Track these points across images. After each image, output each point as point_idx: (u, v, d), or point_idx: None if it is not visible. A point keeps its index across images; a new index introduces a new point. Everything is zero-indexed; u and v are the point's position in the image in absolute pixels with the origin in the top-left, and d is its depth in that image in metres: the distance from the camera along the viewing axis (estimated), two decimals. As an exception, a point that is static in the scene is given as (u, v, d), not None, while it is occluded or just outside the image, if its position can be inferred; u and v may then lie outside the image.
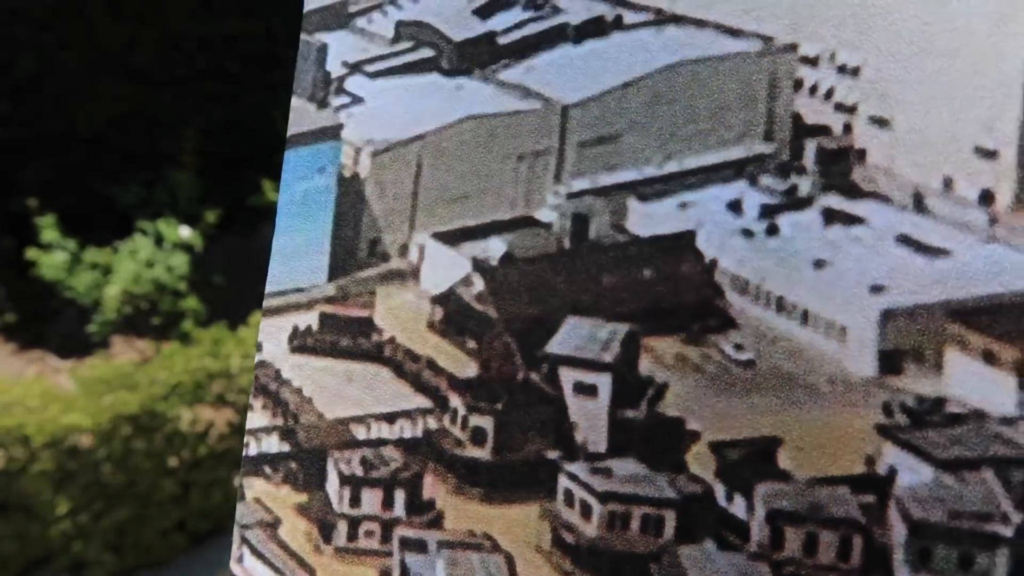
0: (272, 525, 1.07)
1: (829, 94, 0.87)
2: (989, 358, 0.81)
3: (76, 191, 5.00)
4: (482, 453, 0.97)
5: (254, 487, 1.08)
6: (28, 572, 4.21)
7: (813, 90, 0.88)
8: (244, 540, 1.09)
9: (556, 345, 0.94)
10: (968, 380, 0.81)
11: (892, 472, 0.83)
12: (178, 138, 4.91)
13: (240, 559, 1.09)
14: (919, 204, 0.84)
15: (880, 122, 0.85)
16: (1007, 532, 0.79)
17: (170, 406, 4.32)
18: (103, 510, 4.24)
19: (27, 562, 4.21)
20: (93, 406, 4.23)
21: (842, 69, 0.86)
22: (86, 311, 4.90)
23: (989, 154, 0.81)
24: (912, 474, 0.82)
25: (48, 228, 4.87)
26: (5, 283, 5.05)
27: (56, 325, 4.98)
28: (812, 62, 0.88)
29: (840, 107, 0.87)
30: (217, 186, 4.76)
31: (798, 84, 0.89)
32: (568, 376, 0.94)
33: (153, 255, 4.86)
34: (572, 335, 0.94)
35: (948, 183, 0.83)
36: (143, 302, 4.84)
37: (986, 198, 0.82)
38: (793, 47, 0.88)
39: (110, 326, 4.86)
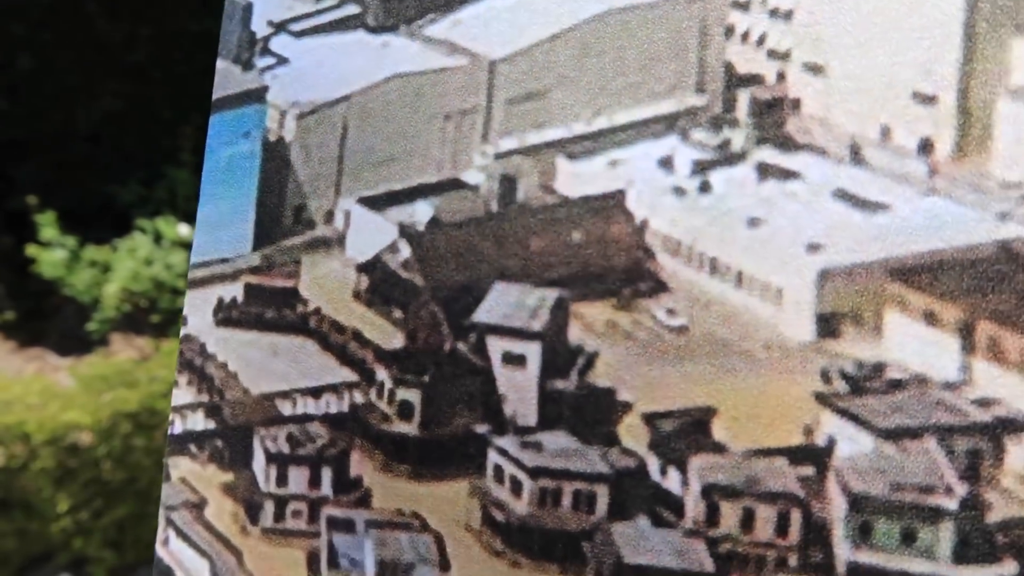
0: (198, 506, 1.03)
1: (761, 40, 0.82)
2: (931, 319, 0.76)
3: (75, 189, 4.98)
4: (409, 428, 0.93)
5: (180, 466, 1.04)
6: (28, 569, 4.19)
7: (745, 36, 0.83)
8: (170, 522, 1.04)
9: (483, 313, 0.90)
10: (909, 343, 0.76)
11: (831, 442, 0.79)
12: (177, 136, 4.88)
13: (166, 542, 1.04)
14: (856, 156, 0.79)
15: (814, 68, 0.80)
16: (951, 505, 0.74)
17: (169, 403, 4.29)
18: (103, 507, 4.21)
19: (27, 559, 4.19)
20: (93, 403, 4.21)
21: (774, 13, 0.81)
22: (85, 309, 4.88)
23: (928, 99, 0.76)
24: (852, 444, 0.78)
25: (47, 226, 4.86)
26: (4, 281, 5.03)
27: (55, 323, 4.96)
28: (743, 6, 0.83)
29: (773, 54, 0.82)
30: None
31: (730, 30, 0.84)
32: (496, 346, 0.89)
33: (152, 253, 4.83)
34: (500, 302, 0.89)
35: (886, 132, 0.78)
36: (142, 300, 4.81)
37: (925, 147, 0.77)
38: (724, -10, 0.83)
39: (109, 324, 4.84)
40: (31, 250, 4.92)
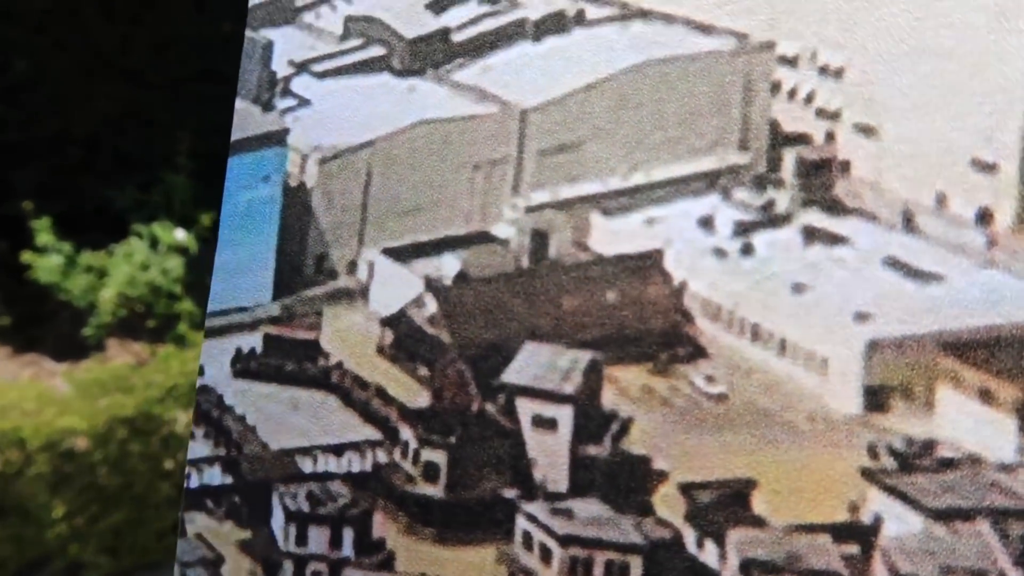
0: (215, 563, 1.00)
1: (810, 98, 0.79)
2: (985, 397, 0.72)
3: (71, 194, 4.93)
4: (435, 490, 0.90)
5: (196, 522, 1.01)
6: (24, 575, 4.16)
7: (792, 94, 0.80)
8: (184, 578, 1.01)
9: (513, 374, 0.86)
10: (962, 421, 0.73)
11: (877, 520, 0.75)
12: (173, 141, 4.84)
13: (180, 599, 1.01)
14: (909, 223, 0.76)
15: (866, 130, 0.77)
16: (1005, 591, 0.71)
17: (166, 409, 4.27)
18: (99, 513, 4.18)
19: (23, 565, 4.16)
20: (89, 409, 4.18)
21: (824, 70, 0.78)
22: (81, 314, 4.85)
23: (987, 167, 0.73)
24: (900, 523, 0.74)
25: (43, 231, 4.82)
26: (0, 286, 4.99)
27: (51, 328, 4.92)
28: (791, 62, 0.79)
29: (822, 113, 0.78)
30: (212, 189, 4.69)
31: (776, 87, 0.80)
32: (526, 408, 0.86)
33: (148, 258, 4.79)
34: (530, 363, 0.86)
35: (941, 199, 0.75)
36: (138, 305, 4.77)
37: (984, 217, 0.74)
38: (770, 45, 0.80)
39: (105, 329, 4.80)
40: (27, 255, 4.88)
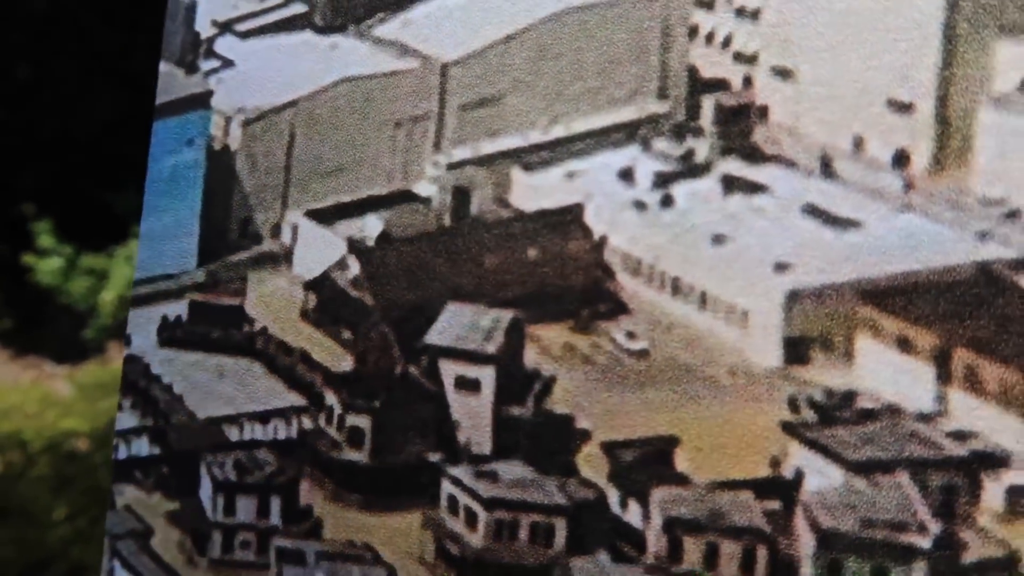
0: (144, 535, 0.98)
1: (727, 42, 0.77)
2: (905, 345, 0.70)
3: (72, 197, 4.95)
4: (360, 455, 0.88)
5: (125, 494, 0.99)
6: (26, 579, 4.16)
7: (710, 38, 0.78)
8: (115, 552, 0.99)
9: (436, 335, 0.85)
10: (881, 371, 0.71)
11: (799, 475, 0.74)
12: (174, 142, 4.86)
13: (111, 572, 0.99)
14: (827, 168, 0.74)
15: (783, 73, 0.75)
16: (924, 543, 0.70)
17: (165, 414, 4.27)
18: (101, 515, 4.18)
19: (25, 567, 4.15)
20: (90, 411, 4.18)
21: (741, 12, 0.76)
22: (82, 316, 4.86)
23: (904, 107, 0.71)
24: (821, 477, 0.73)
25: (44, 234, 4.83)
26: (1, 289, 5.01)
27: (52, 330, 4.93)
28: (708, 4, 0.78)
29: (739, 57, 0.77)
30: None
31: (693, 31, 0.78)
32: (449, 369, 0.84)
33: (148, 260, 4.81)
34: (453, 323, 0.84)
35: (858, 143, 0.73)
36: (138, 308, 4.79)
37: (900, 159, 0.72)
38: (687, -12, 0.78)
39: (106, 331, 4.81)
40: (28, 258, 4.89)
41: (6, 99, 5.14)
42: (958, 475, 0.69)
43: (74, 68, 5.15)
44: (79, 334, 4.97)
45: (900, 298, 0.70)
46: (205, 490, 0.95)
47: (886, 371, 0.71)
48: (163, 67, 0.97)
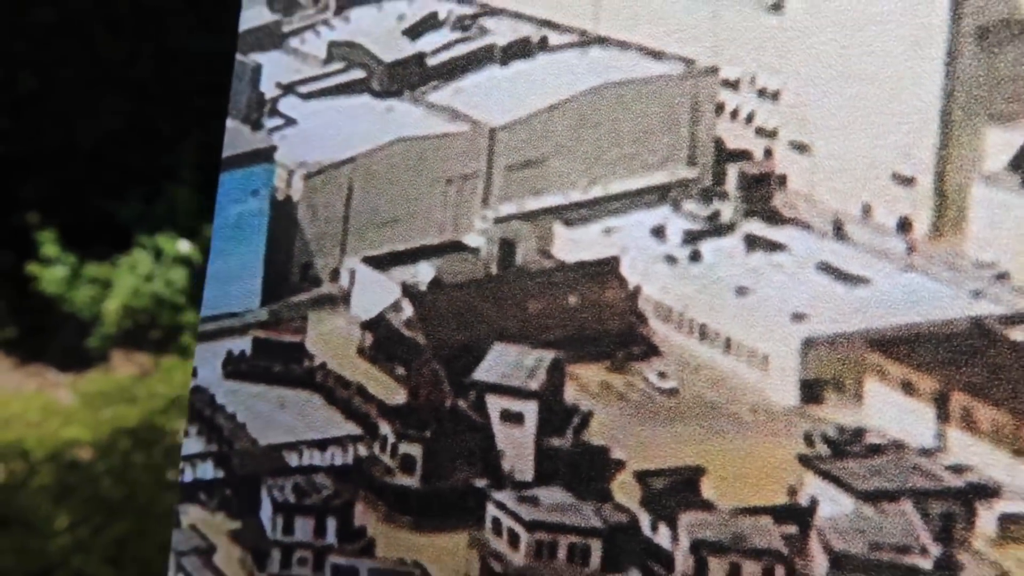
0: (207, 552, 1.06)
1: (750, 118, 0.86)
2: (908, 388, 0.79)
3: (76, 206, 4.99)
4: (411, 481, 0.96)
5: (190, 514, 1.07)
6: (28, 586, 4.19)
7: (734, 114, 0.87)
8: (180, 567, 1.07)
9: (483, 372, 0.93)
10: (887, 410, 0.79)
11: (813, 503, 0.82)
12: (177, 153, 4.90)
13: (176, 586, 1.07)
14: (839, 231, 0.83)
15: (800, 147, 0.84)
16: (926, 565, 0.78)
17: (169, 419, 4.29)
18: (103, 524, 4.21)
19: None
20: (93, 420, 4.20)
21: (762, 93, 0.85)
22: (86, 325, 4.89)
23: (906, 181, 0.80)
24: (833, 505, 0.81)
25: (48, 243, 4.86)
26: (5, 298, 5.04)
27: (56, 339, 4.96)
28: (733, 85, 0.87)
29: (761, 131, 0.86)
30: (216, 201, 4.71)
31: (719, 108, 0.87)
32: (495, 404, 0.93)
33: (152, 269, 4.84)
34: (499, 362, 0.93)
35: (867, 210, 0.82)
36: (142, 316, 4.82)
37: (904, 225, 0.81)
38: (714, 70, 0.87)
39: (110, 340, 4.85)
40: (32, 267, 4.92)
41: (10, 108, 5.18)
42: (956, 504, 0.77)
43: (79, 77, 5.19)
44: (82, 343, 5.00)
45: (904, 347, 0.79)
46: (265, 511, 1.02)
47: (892, 411, 0.79)
48: (230, 123, 1.06)
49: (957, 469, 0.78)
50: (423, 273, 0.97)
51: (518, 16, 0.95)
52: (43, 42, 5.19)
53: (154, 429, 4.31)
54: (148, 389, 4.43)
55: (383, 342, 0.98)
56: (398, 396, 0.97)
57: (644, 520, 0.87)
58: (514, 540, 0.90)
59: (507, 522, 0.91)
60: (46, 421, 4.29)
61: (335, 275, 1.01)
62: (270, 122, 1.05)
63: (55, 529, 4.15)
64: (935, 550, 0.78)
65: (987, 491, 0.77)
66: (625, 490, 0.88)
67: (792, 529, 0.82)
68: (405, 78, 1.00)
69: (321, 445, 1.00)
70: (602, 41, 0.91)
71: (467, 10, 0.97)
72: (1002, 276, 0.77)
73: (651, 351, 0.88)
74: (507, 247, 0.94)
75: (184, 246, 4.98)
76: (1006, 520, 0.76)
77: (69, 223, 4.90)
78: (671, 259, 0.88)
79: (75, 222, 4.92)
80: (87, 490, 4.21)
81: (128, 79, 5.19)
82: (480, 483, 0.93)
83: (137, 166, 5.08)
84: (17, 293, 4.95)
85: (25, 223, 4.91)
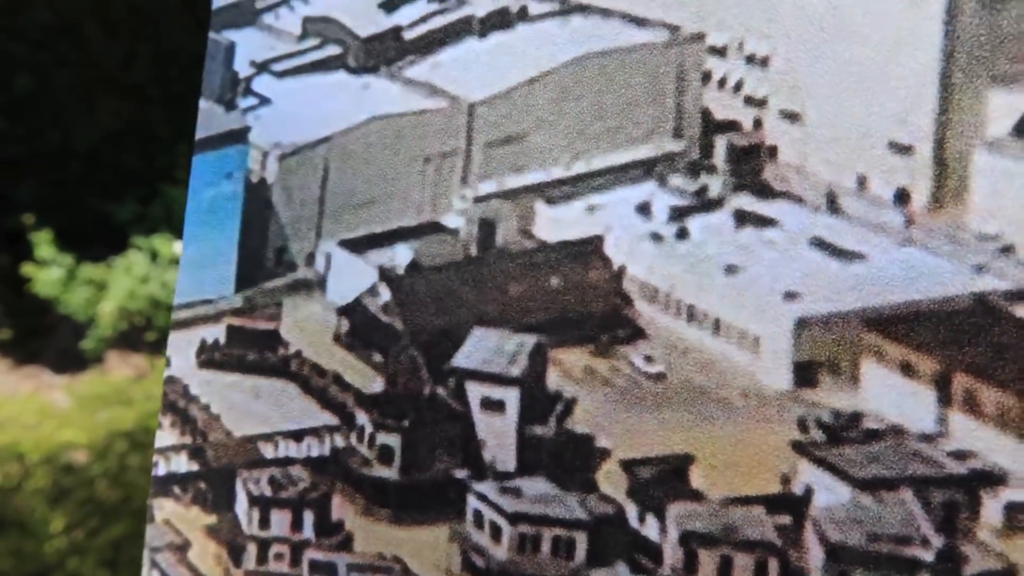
0: (182, 548, 1.03)
1: (738, 87, 0.82)
2: (907, 370, 0.75)
3: (72, 207, 4.98)
4: (389, 472, 0.92)
5: (164, 508, 1.04)
6: (25, 590, 4.17)
7: (722, 83, 0.83)
8: (154, 564, 1.04)
9: (463, 358, 0.89)
10: (885, 394, 0.76)
11: (808, 492, 0.78)
12: (173, 155, 4.88)
13: (149, 584, 1.04)
14: (833, 204, 0.79)
15: (791, 116, 0.80)
16: (927, 556, 0.74)
17: (165, 423, 4.27)
18: (98, 526, 4.19)
19: (22, 579, 4.17)
20: (88, 422, 4.19)
21: (751, 59, 0.81)
22: (81, 327, 4.88)
23: (904, 149, 0.76)
24: (829, 494, 0.77)
25: (43, 244, 4.85)
26: (0, 300, 5.03)
27: (51, 341, 4.95)
28: (720, 52, 0.83)
29: (750, 100, 0.82)
30: (210, 201, 4.68)
31: (706, 76, 0.84)
32: (475, 391, 0.89)
33: (148, 271, 4.82)
34: (479, 347, 0.89)
35: (862, 181, 0.78)
36: (138, 318, 4.81)
37: (902, 197, 0.77)
38: (700, 37, 0.83)
39: (105, 342, 4.83)
40: (27, 268, 4.91)
41: (6, 109, 5.16)
42: (958, 492, 0.74)
43: (74, 79, 5.18)
44: (78, 345, 4.99)
45: (902, 326, 0.75)
46: (241, 505, 0.99)
47: (890, 394, 0.75)
48: (203, 104, 1.02)
49: (960, 455, 0.74)
50: (401, 256, 0.94)
51: (497, -15, 0.91)
52: (39, 43, 5.17)
53: (150, 432, 4.29)
54: (144, 391, 4.42)
55: (360, 328, 0.95)
56: (375, 384, 0.93)
57: (631, 511, 0.83)
58: (496, 533, 0.87)
59: (489, 514, 0.88)
60: (41, 423, 4.27)
61: (310, 259, 0.97)
62: (244, 102, 1.01)
63: (50, 532, 4.13)
64: (937, 541, 0.74)
65: (992, 478, 0.73)
66: (611, 480, 0.84)
67: (786, 519, 0.79)
68: (381, 53, 0.96)
69: (297, 436, 0.97)
70: (583, 9, 0.87)
71: (445, -19, 0.94)
72: (1007, 249, 0.73)
73: (637, 334, 0.84)
74: (487, 227, 0.90)
75: (180, 248, 4.95)
76: (1012, 509, 0.73)
77: (65, 225, 4.89)
78: (657, 237, 0.84)
79: (71, 224, 4.91)
80: (82, 493, 4.19)
81: (124, 81, 5.17)
82: (460, 474, 0.89)
83: (133, 168, 5.07)
84: (12, 295, 4.94)
85: (20, 224, 4.90)
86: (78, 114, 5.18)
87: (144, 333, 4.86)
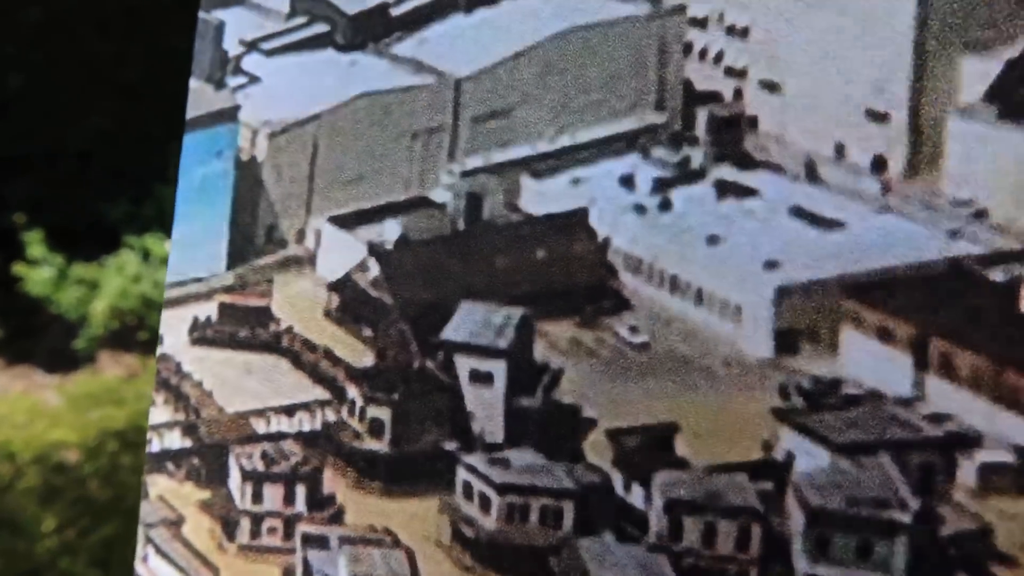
0: (176, 523, 1.04)
1: (719, 58, 0.84)
2: (884, 336, 0.77)
3: (63, 207, 4.98)
4: (380, 445, 0.94)
5: (158, 484, 1.05)
6: (16, 589, 4.17)
7: (703, 54, 0.84)
8: (149, 539, 1.05)
9: (451, 331, 0.91)
10: (864, 360, 0.77)
11: (789, 457, 0.80)
12: (165, 154, 4.89)
13: (145, 559, 1.05)
14: (811, 173, 0.80)
15: (770, 86, 0.81)
16: (905, 519, 0.75)
17: (158, 422, 4.27)
18: (90, 526, 4.19)
19: (14, 579, 4.16)
20: (80, 421, 4.19)
21: (731, 30, 0.83)
22: (73, 326, 4.88)
23: (880, 117, 0.77)
24: (809, 459, 0.79)
25: (35, 244, 4.85)
26: (-7, 299, 5.02)
27: (43, 340, 4.95)
28: (701, 24, 0.84)
29: (730, 71, 0.83)
30: (202, 199, 4.69)
31: (688, 48, 0.85)
32: (463, 363, 0.90)
33: (140, 270, 4.83)
34: (466, 320, 0.91)
35: (840, 150, 0.79)
36: (130, 317, 4.81)
37: (878, 165, 0.78)
38: (681, 8, 0.85)
39: (97, 341, 4.83)
40: (19, 268, 4.91)
41: (-2, 110, 5.16)
42: (935, 455, 0.75)
43: (67, 78, 5.18)
44: (70, 344, 4.98)
45: (880, 292, 0.77)
46: (234, 480, 1.00)
47: (868, 360, 0.77)
48: (193, 83, 1.03)
49: (936, 418, 0.75)
50: (389, 231, 0.95)
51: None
52: (31, 42, 5.18)
53: (141, 431, 4.29)
54: (136, 391, 4.41)
55: (350, 303, 0.96)
56: (366, 358, 0.95)
57: (617, 480, 0.85)
58: (485, 504, 0.88)
59: (478, 486, 0.89)
60: (33, 423, 4.27)
61: (301, 236, 0.99)
62: (233, 80, 1.03)
63: (42, 531, 4.13)
64: (914, 503, 0.75)
65: (967, 440, 0.74)
66: (597, 449, 0.85)
67: (768, 485, 0.80)
68: (369, 30, 0.97)
69: (289, 411, 0.98)
70: (568, -16, 0.89)
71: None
72: (980, 214, 0.74)
73: (621, 305, 0.85)
74: (474, 201, 0.91)
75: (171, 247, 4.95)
76: (987, 470, 0.74)
77: (57, 224, 4.89)
78: (640, 208, 0.85)
79: (63, 223, 4.91)
80: (74, 492, 4.18)
81: (117, 80, 5.18)
82: (450, 446, 0.91)
83: (125, 167, 5.07)
84: (4, 294, 4.94)
85: (12, 224, 4.90)
86: (70, 113, 5.18)
87: (136, 332, 4.86)
